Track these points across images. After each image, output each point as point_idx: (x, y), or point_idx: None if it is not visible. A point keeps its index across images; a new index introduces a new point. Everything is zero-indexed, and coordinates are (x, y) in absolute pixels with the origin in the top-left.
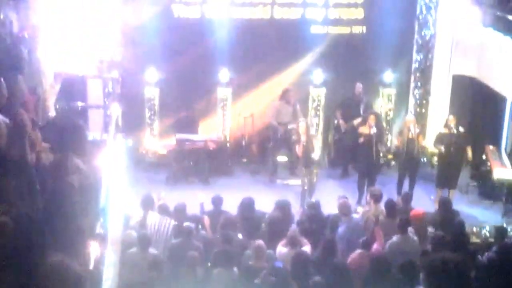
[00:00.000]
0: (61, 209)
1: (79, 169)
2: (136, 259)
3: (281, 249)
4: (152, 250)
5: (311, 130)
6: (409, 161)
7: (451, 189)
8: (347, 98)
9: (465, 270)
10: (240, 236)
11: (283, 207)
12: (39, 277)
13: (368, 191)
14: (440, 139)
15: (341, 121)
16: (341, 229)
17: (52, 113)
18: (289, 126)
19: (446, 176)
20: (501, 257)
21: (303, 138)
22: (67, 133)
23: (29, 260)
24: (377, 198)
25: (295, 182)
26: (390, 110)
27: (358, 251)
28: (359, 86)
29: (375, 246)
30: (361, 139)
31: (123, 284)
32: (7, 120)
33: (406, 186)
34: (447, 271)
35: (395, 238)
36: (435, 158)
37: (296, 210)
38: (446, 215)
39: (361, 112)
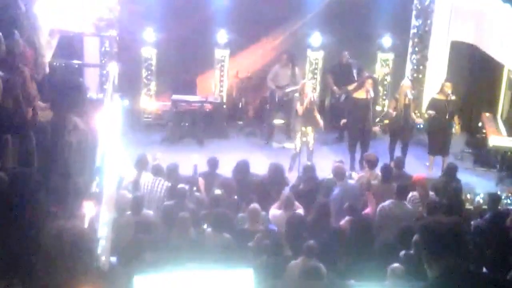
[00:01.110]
0: (58, 167)
1: (77, 127)
2: (129, 221)
3: (275, 211)
4: (145, 212)
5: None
6: (404, 126)
7: (444, 156)
8: (336, 64)
9: (460, 233)
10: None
11: (276, 170)
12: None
13: (363, 157)
14: (433, 105)
15: (334, 88)
16: (335, 192)
17: (47, 69)
18: (287, 89)
19: (438, 143)
20: (494, 224)
21: (308, 96)
22: (67, 91)
23: (25, 217)
24: (372, 163)
25: (291, 145)
26: (386, 74)
27: (347, 217)
28: (345, 54)
29: (366, 210)
30: (357, 103)
31: (116, 245)
32: (2, 74)
33: (399, 152)
34: (442, 233)
35: (387, 202)
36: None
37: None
38: (449, 182)
39: (355, 77)
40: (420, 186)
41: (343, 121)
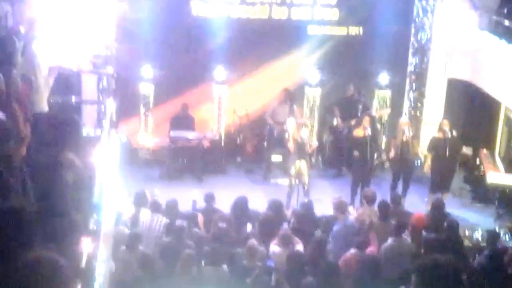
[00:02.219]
0: (55, 205)
1: (73, 164)
2: (126, 257)
3: (274, 248)
4: (142, 249)
5: (305, 130)
6: (403, 164)
7: (444, 193)
8: (345, 97)
9: (457, 272)
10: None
11: (275, 207)
12: (26, 272)
13: (362, 193)
14: (433, 144)
15: (339, 119)
16: (336, 228)
17: (46, 107)
18: (285, 126)
19: (439, 180)
20: (493, 262)
21: (292, 134)
22: (62, 128)
23: (19, 255)
24: (370, 199)
25: (287, 182)
26: (389, 114)
27: (352, 251)
28: (350, 88)
29: (370, 249)
30: (356, 141)
31: (114, 282)
32: (1, 114)
33: (400, 189)
34: (438, 273)
35: (390, 241)
36: (428, 163)
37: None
38: (439, 217)
39: (359, 112)
40: (419, 225)
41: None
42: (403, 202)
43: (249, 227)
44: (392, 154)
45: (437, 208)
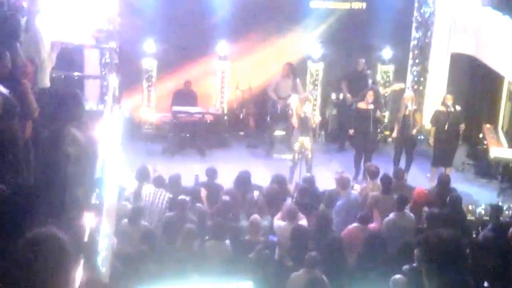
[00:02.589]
0: (57, 179)
1: (76, 139)
2: (128, 231)
3: (278, 222)
4: (144, 223)
5: (309, 104)
6: (406, 138)
7: (447, 167)
8: (353, 72)
9: (460, 246)
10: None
11: (279, 181)
12: (29, 248)
13: (364, 167)
14: (436, 117)
15: (348, 95)
16: (339, 203)
17: (48, 82)
18: (288, 101)
19: (442, 154)
20: (496, 236)
21: (295, 110)
22: (64, 102)
23: (23, 231)
24: (373, 174)
25: (291, 157)
26: (387, 86)
27: (355, 224)
28: (362, 62)
29: (372, 225)
30: (359, 114)
31: (117, 256)
32: (5, 91)
33: (403, 164)
34: (442, 248)
35: (392, 215)
36: (432, 137)
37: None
38: (444, 193)
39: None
40: (420, 200)
41: (351, 131)
42: (405, 177)
43: (251, 202)
44: (395, 128)
45: (443, 183)
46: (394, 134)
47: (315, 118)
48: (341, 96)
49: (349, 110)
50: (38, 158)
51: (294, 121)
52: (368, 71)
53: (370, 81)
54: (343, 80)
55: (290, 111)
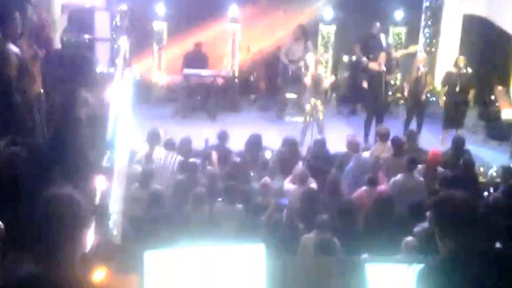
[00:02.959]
0: (69, 142)
1: (87, 101)
2: (139, 194)
3: (289, 185)
4: (154, 185)
5: (320, 67)
6: (417, 100)
7: (458, 129)
8: (367, 35)
9: (473, 208)
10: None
11: (290, 144)
12: (44, 209)
13: (375, 130)
14: (447, 78)
15: (363, 58)
16: (349, 166)
17: (59, 45)
18: (300, 63)
19: (453, 116)
20: (508, 197)
21: (311, 69)
22: (76, 65)
23: (39, 191)
24: (384, 136)
25: (303, 119)
26: (400, 49)
27: (364, 187)
28: (377, 25)
29: (380, 187)
30: (370, 74)
31: (127, 219)
32: (18, 51)
33: (414, 125)
34: (455, 210)
35: (399, 176)
36: (443, 98)
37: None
38: (458, 154)
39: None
40: (435, 162)
41: (364, 83)
42: (418, 139)
43: (263, 164)
44: (406, 90)
45: (458, 145)
46: (406, 94)
47: (329, 79)
48: (353, 58)
49: (362, 72)
50: (49, 120)
51: (308, 80)
52: (382, 35)
53: (383, 44)
54: (356, 43)
55: (304, 70)
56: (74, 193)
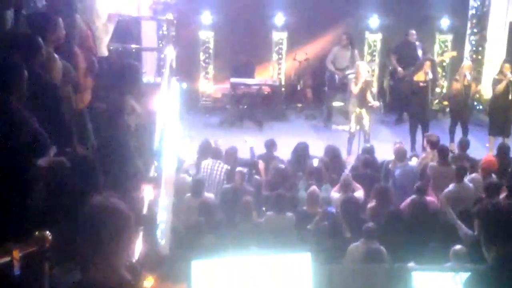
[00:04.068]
0: (116, 151)
1: (135, 110)
2: (191, 203)
3: (334, 194)
4: (206, 195)
5: (368, 75)
6: (463, 108)
7: (505, 137)
8: (401, 43)
9: None
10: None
11: (333, 152)
12: (91, 218)
13: (424, 137)
14: (493, 86)
15: (399, 69)
16: (396, 174)
17: (105, 54)
18: (347, 72)
19: (499, 124)
20: None
21: (363, 77)
22: (122, 74)
23: (86, 201)
24: (433, 143)
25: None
26: (448, 56)
27: (412, 196)
28: (412, 33)
29: (430, 198)
30: (417, 86)
31: (177, 228)
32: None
33: (458, 133)
34: (500, 218)
35: (451, 186)
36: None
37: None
38: (503, 162)
39: (420, 57)
40: (490, 168)
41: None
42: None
43: (310, 172)
44: (452, 98)
45: (502, 152)
46: (452, 99)
47: (374, 103)
48: (390, 68)
49: (400, 82)
50: (97, 130)
51: (355, 89)
52: (418, 43)
53: (420, 52)
54: (392, 53)
55: (354, 79)
56: (120, 202)
